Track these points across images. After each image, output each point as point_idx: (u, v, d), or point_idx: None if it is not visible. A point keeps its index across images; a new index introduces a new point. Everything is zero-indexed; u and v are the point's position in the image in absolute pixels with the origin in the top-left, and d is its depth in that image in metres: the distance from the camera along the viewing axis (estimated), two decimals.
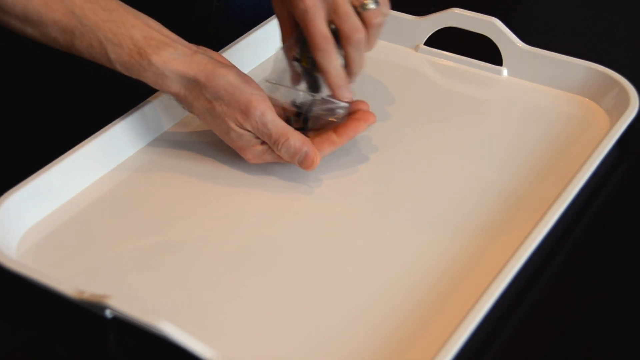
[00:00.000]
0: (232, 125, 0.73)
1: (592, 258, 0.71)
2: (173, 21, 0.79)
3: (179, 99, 0.74)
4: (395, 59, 0.92)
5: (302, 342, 0.63)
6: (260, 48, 0.91)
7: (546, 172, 0.77)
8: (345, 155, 0.79)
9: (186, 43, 0.74)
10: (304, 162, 0.74)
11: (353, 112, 0.77)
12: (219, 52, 0.86)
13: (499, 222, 0.72)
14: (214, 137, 0.80)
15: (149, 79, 0.73)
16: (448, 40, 0.92)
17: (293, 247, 0.71)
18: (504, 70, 0.89)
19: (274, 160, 0.75)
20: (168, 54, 0.72)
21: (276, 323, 0.64)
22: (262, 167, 0.77)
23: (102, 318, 0.64)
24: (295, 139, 0.73)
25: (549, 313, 0.66)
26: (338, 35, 0.76)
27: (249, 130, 0.73)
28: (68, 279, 0.65)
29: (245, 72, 0.88)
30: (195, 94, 0.73)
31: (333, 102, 0.77)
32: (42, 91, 0.91)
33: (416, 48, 0.92)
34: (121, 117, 0.78)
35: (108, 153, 0.77)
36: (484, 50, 0.89)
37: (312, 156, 0.74)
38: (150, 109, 0.80)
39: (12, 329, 0.65)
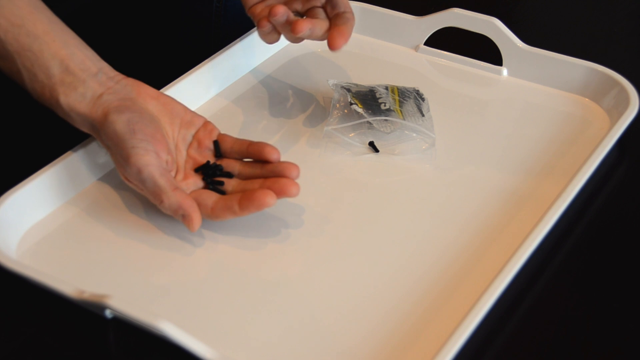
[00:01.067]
0: (123, 172, 0.70)
1: (592, 258, 0.71)
2: (173, 21, 0.79)
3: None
4: (395, 59, 0.92)
5: (301, 342, 0.63)
6: (260, 48, 0.91)
7: (546, 172, 0.77)
8: (343, 153, 0.79)
9: (104, 78, 0.71)
10: (184, 223, 0.69)
11: (273, 178, 0.71)
12: (219, 52, 0.86)
13: (499, 221, 0.72)
14: None
15: (60, 114, 0.72)
16: (448, 40, 0.92)
17: (292, 246, 0.71)
18: (504, 70, 0.89)
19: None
20: (76, 96, 0.70)
21: (276, 323, 0.64)
22: None
23: (102, 318, 0.64)
24: (171, 201, 0.68)
25: (549, 313, 0.66)
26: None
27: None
28: (68, 279, 0.65)
29: (245, 72, 0.89)
30: (98, 137, 0.71)
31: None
32: None
33: (416, 48, 0.92)
34: None
35: (107, 153, 0.77)
36: (484, 50, 0.89)
37: (189, 220, 0.68)
38: None
39: (12, 329, 0.65)
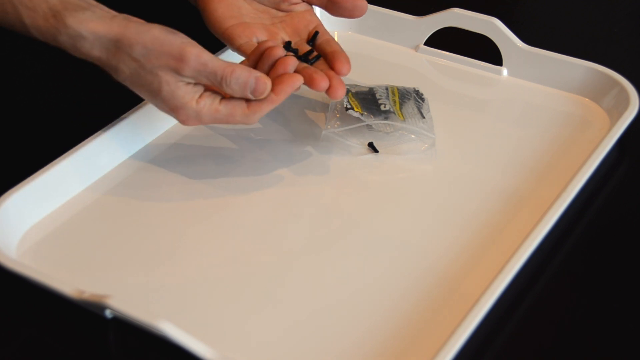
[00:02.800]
0: (167, 78, 0.69)
1: (592, 258, 0.71)
2: (174, 21, 0.79)
3: (101, 64, 0.71)
4: (395, 59, 0.92)
5: (302, 342, 0.63)
6: None
7: (546, 172, 0.77)
8: (343, 153, 0.79)
9: (106, 8, 0.71)
10: (256, 89, 0.70)
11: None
12: (218, 52, 0.86)
13: (499, 222, 0.72)
14: (217, 136, 0.81)
15: (65, 43, 0.69)
16: (448, 40, 0.92)
17: (293, 247, 0.71)
18: (504, 70, 0.89)
19: (212, 118, 0.71)
20: (85, 16, 0.68)
21: (276, 323, 0.64)
22: (262, 166, 0.77)
23: (102, 318, 0.64)
24: (242, 69, 0.69)
25: (549, 313, 0.66)
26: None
27: (186, 78, 0.69)
28: (68, 279, 0.65)
29: None
30: (119, 55, 0.69)
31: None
32: (42, 91, 0.91)
33: (416, 48, 0.92)
34: (120, 117, 0.78)
35: (108, 153, 0.77)
36: (484, 50, 0.89)
37: (264, 80, 0.70)
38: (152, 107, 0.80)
39: (12, 329, 0.65)
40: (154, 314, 0.58)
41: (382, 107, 0.79)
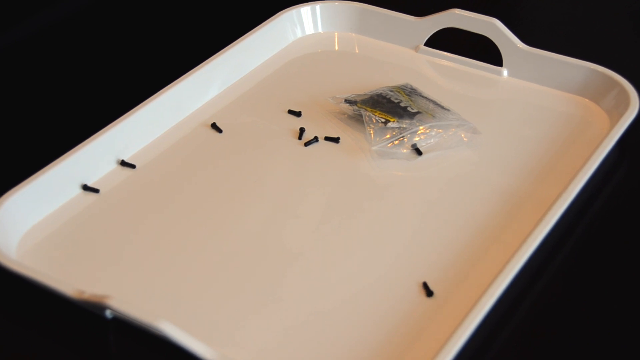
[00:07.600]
0: None
1: (592, 258, 0.71)
2: (174, 21, 0.79)
3: None
4: (395, 60, 0.92)
5: (301, 342, 0.63)
6: (260, 49, 0.91)
7: (546, 172, 0.77)
8: (344, 155, 0.79)
9: None
10: None
11: None
12: (219, 52, 0.87)
13: (499, 222, 0.72)
14: (217, 136, 0.81)
15: None
16: (448, 40, 0.92)
17: (293, 247, 0.71)
18: (504, 71, 0.89)
19: None
20: None
21: (276, 323, 0.64)
22: (264, 167, 0.77)
23: (102, 318, 0.64)
24: None
25: (549, 313, 0.66)
26: None
27: None
28: (68, 279, 0.65)
29: (244, 73, 0.89)
30: None
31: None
32: (42, 90, 0.91)
33: (416, 48, 0.92)
34: (120, 118, 0.78)
35: (108, 153, 0.77)
36: (484, 50, 0.89)
37: None
38: (156, 106, 0.80)
39: (12, 329, 0.65)
40: (154, 314, 0.58)
41: (409, 109, 0.79)
